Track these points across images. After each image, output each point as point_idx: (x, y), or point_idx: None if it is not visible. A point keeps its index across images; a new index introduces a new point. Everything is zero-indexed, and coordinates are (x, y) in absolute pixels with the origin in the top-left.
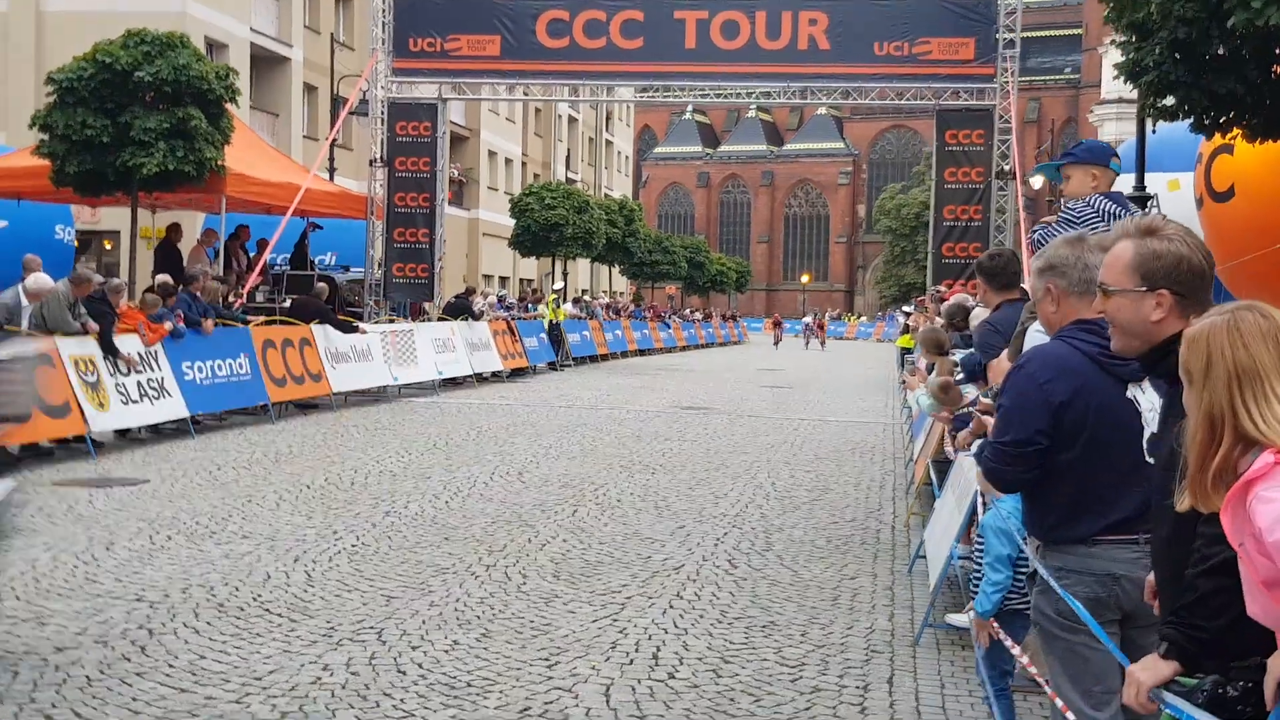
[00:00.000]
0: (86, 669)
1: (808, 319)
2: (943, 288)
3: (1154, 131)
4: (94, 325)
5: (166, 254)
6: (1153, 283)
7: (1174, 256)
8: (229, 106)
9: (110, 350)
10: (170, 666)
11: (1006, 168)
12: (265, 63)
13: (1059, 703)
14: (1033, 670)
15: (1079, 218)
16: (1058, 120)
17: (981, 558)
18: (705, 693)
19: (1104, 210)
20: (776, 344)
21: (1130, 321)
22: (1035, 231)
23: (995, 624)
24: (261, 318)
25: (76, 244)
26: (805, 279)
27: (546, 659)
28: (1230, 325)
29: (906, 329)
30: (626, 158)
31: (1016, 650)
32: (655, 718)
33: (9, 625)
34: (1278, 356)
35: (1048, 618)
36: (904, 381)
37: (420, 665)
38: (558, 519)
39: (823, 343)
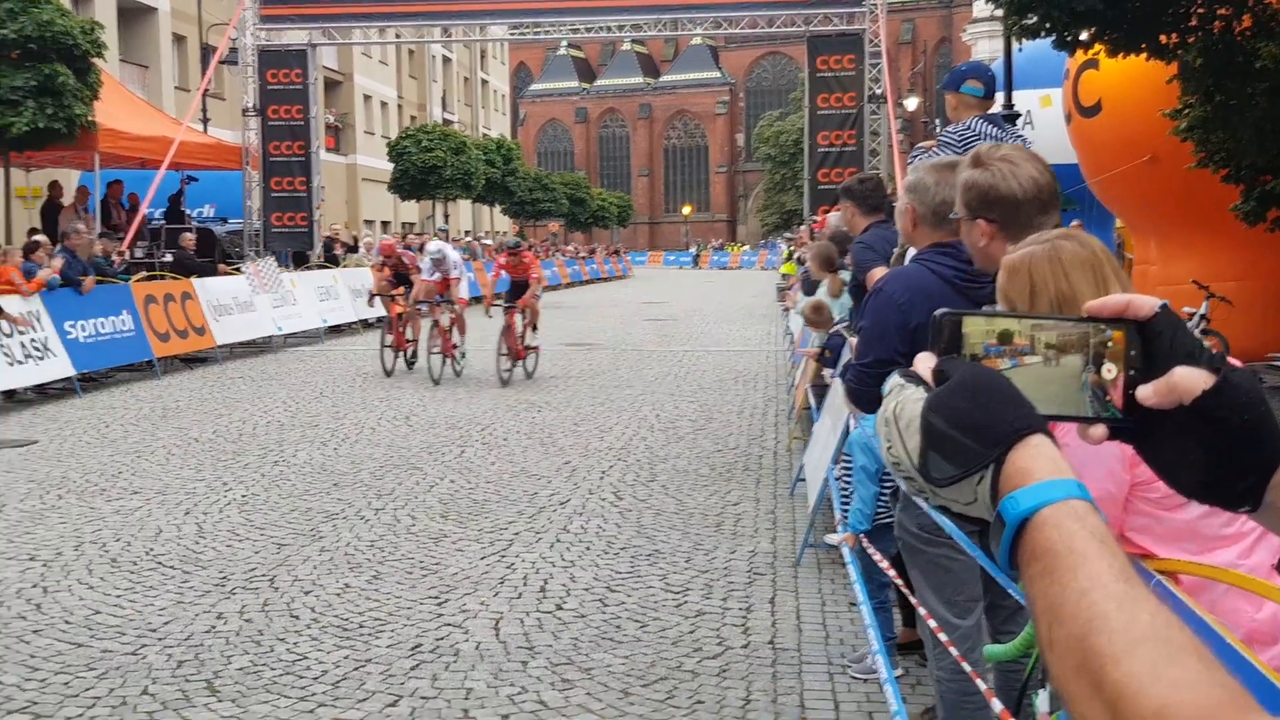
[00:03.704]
0: None
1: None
2: (818, 215)
3: (1020, 49)
4: None
5: (51, 213)
6: (972, 211)
7: (984, 185)
8: (96, 61)
9: None
10: (66, 623)
11: (878, 91)
12: (132, 14)
13: (923, 612)
14: (900, 583)
15: (960, 140)
16: (931, 41)
17: (850, 475)
18: (592, 621)
19: (984, 133)
20: None
21: (970, 247)
22: (914, 156)
23: (864, 539)
24: (143, 273)
25: None
26: (687, 210)
27: (436, 597)
28: (1051, 254)
29: (790, 256)
30: (503, 96)
31: (884, 564)
32: (544, 648)
33: None
34: (1096, 286)
35: (910, 533)
36: (784, 304)
37: (312, 609)
38: (445, 460)
39: None
